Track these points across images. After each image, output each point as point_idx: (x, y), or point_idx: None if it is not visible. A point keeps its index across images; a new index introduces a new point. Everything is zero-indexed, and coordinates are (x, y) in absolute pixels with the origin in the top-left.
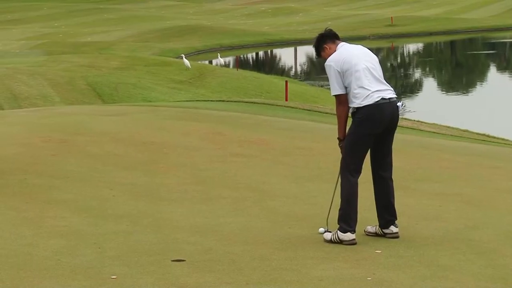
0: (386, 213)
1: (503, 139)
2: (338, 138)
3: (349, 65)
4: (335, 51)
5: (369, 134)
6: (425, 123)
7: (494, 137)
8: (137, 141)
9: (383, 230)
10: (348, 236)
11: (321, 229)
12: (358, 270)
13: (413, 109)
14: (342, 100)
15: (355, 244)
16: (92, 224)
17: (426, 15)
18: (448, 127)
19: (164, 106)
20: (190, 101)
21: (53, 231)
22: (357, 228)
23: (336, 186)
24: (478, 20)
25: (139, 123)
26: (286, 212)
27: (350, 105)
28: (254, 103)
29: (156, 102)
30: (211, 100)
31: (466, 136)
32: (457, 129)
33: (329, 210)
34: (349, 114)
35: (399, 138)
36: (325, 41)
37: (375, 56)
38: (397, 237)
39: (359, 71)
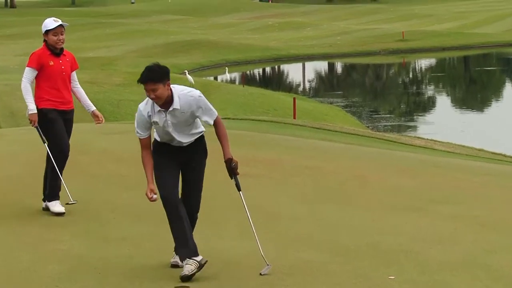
0: None
1: None
2: (231, 159)
3: None
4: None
5: None
6: (439, 142)
7: (511, 157)
8: (140, 161)
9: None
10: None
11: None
12: None
13: (426, 127)
14: None
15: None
16: (92, 247)
17: (439, 30)
18: (463, 146)
19: None
20: None
21: (52, 256)
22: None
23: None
24: (492, 35)
25: None
26: (293, 236)
27: (203, 130)
28: (261, 120)
29: None
30: None
31: (482, 155)
32: (472, 148)
33: (259, 245)
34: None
35: (412, 157)
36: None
37: None
38: None
39: None
